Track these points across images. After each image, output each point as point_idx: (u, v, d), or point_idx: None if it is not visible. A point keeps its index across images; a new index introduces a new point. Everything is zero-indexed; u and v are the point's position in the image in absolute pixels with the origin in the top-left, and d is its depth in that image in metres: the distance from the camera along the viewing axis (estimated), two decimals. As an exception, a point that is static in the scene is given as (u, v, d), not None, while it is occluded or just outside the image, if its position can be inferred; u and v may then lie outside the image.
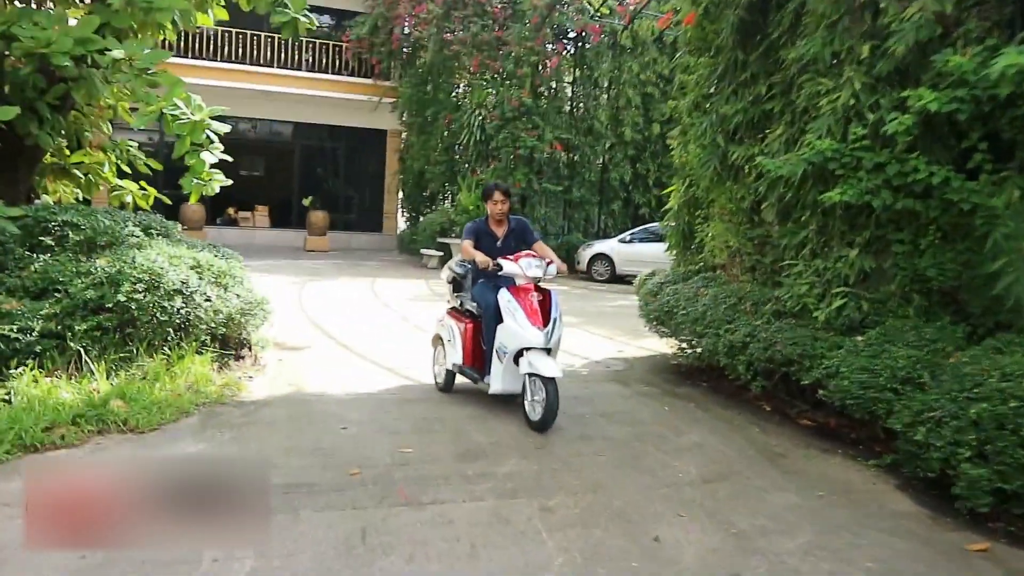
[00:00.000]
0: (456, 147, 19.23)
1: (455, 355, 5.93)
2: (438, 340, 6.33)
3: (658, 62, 19.77)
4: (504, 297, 5.49)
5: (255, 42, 19.97)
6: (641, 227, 17.70)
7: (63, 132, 7.00)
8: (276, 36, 19.96)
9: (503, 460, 4.50)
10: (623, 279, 16.77)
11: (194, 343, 5.68)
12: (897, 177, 4.87)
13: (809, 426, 5.72)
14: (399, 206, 22.76)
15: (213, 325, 5.80)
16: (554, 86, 19.20)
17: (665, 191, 8.65)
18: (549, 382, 5.10)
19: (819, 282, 5.53)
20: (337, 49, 20.72)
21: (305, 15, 6.26)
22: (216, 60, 19.43)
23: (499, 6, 18.44)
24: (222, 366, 6.04)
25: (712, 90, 7.04)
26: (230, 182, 6.16)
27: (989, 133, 4.68)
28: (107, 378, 5.07)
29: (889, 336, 4.94)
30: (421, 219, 20.32)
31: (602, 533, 3.58)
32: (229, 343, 6.23)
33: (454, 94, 19.91)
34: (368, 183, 22.65)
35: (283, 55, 20.24)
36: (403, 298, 11.86)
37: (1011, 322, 4.68)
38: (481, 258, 5.61)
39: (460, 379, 6.09)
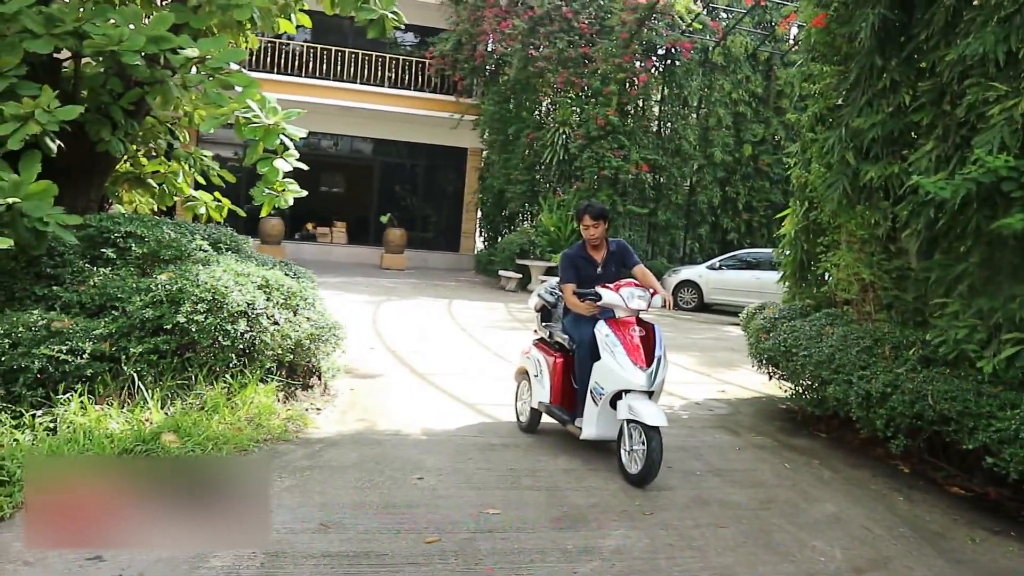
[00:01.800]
0: (538, 166, 18.64)
1: (542, 392, 5.26)
2: (523, 374, 5.66)
3: (751, 80, 18.87)
4: (602, 331, 4.80)
5: (339, 58, 19.92)
6: (730, 253, 16.69)
7: (137, 139, 6.67)
8: (360, 51, 19.91)
9: (607, 529, 3.77)
10: (710, 308, 15.85)
11: (259, 370, 5.16)
12: (1099, 202, 3.97)
13: (962, 495, 4.80)
14: (477, 225, 22.30)
15: (280, 351, 5.26)
16: (641, 104, 18.45)
17: (778, 215, 7.80)
18: (652, 431, 4.40)
19: (983, 325, 4.62)
20: (420, 66, 20.48)
21: (393, 13, 5.74)
22: (300, 76, 19.41)
23: (586, 22, 17.84)
24: (288, 396, 5.50)
25: (841, 101, 6.21)
26: (304, 193, 5.65)
27: None
28: (162, 407, 4.58)
29: (1086, 397, 4.00)
30: (500, 239, 19.79)
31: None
32: (297, 371, 5.69)
33: (537, 112, 19.36)
34: (447, 201, 22.30)
35: (366, 71, 20.11)
36: (481, 322, 11.26)
37: None
38: (586, 309, 4.97)
39: (546, 418, 5.40)
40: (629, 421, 4.56)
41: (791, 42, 18.03)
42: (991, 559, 3.85)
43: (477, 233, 22.45)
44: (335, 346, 5.86)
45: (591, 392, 4.81)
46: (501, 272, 17.24)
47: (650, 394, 4.64)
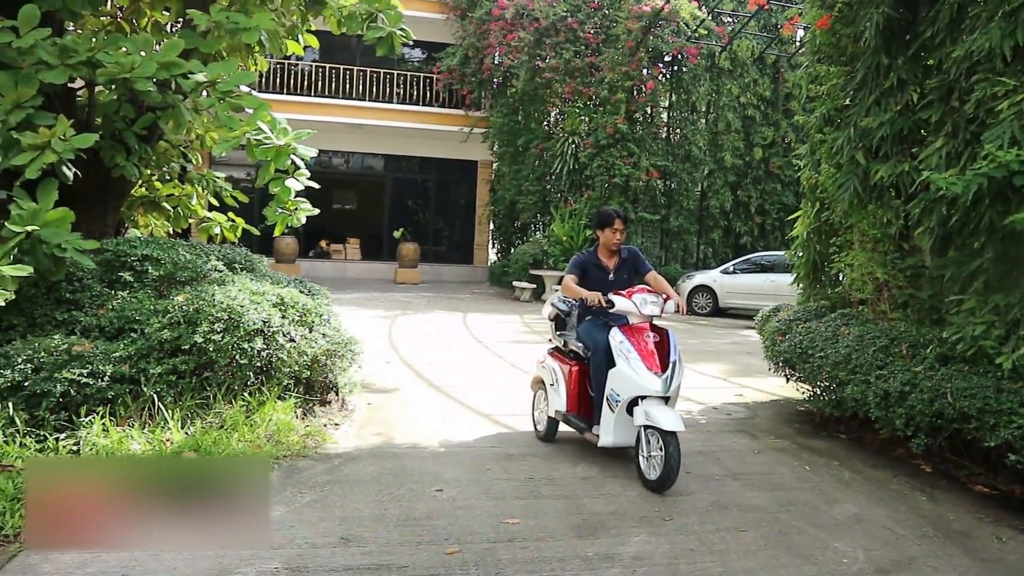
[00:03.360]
0: (548, 176, 18.69)
1: (558, 401, 5.26)
2: (539, 383, 5.67)
3: (759, 83, 18.87)
4: (616, 337, 4.81)
5: (347, 76, 20.11)
6: (743, 257, 16.64)
7: (151, 163, 6.77)
8: (368, 69, 20.09)
9: (627, 536, 3.77)
10: (725, 312, 15.79)
11: (276, 387, 5.20)
12: (1113, 193, 3.94)
13: (986, 494, 4.74)
14: (490, 237, 22.38)
15: (297, 368, 5.30)
16: (650, 111, 18.48)
17: (790, 217, 7.78)
18: (669, 437, 4.39)
19: (1000, 321, 4.58)
20: (428, 81, 20.66)
21: (401, 29, 5.80)
22: (309, 95, 19.62)
23: (592, 31, 17.93)
24: (306, 412, 5.54)
25: (848, 101, 6.20)
26: (317, 211, 5.72)
27: None
28: (182, 427, 4.63)
29: (1107, 390, 3.96)
30: (513, 250, 19.84)
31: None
32: (314, 387, 5.74)
33: (546, 123, 19.43)
34: (459, 214, 22.41)
35: (375, 88, 20.30)
36: (496, 333, 11.29)
37: None
38: (588, 294, 4.94)
39: (563, 427, 5.40)
40: (646, 427, 4.56)
41: (797, 44, 18.01)
42: (1018, 558, 3.80)
43: (490, 245, 22.53)
44: (351, 361, 5.90)
45: (607, 399, 4.81)
46: (515, 283, 17.27)
47: (666, 399, 4.63)
